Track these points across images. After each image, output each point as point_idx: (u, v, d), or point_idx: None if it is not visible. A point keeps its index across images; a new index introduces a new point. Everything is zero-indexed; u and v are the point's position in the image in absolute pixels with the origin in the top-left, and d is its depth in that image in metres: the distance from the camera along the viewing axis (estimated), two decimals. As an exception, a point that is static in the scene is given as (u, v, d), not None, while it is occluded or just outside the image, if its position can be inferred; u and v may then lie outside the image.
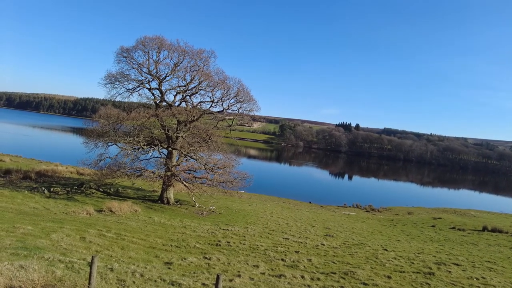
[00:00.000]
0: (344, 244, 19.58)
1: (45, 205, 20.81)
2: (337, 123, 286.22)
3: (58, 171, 34.62)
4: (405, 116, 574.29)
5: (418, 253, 18.08)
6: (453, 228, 29.47)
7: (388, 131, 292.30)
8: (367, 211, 42.31)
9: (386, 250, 18.49)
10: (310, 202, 45.70)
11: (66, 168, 37.66)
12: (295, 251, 16.34)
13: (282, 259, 14.52)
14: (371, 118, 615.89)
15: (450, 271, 14.48)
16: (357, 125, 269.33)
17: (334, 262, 14.91)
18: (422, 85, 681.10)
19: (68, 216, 18.62)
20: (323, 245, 18.52)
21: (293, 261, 14.36)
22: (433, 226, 30.57)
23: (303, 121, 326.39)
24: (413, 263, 15.71)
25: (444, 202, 56.26)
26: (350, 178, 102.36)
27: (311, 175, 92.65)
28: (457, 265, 15.76)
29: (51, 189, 25.83)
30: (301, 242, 18.74)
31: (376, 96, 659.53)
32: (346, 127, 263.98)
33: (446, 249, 20.08)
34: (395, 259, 16.28)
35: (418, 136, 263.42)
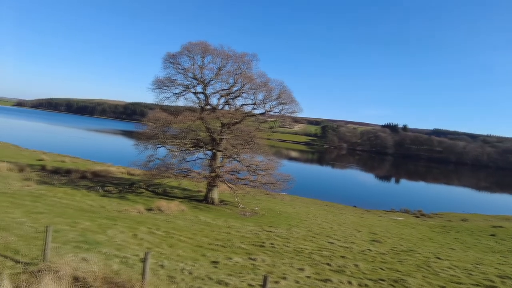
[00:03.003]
0: (392, 250, 18.68)
1: (100, 203, 22.30)
2: (383, 124, 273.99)
3: (110, 171, 37.00)
4: (457, 116, 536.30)
5: (477, 264, 16.71)
6: (517, 238, 26.86)
7: (438, 132, 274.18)
8: (416, 217, 40.01)
9: (439, 258, 17.32)
10: (355, 206, 44.25)
11: (118, 168, 40.12)
12: (341, 256, 15.89)
13: (328, 264, 14.19)
14: (420, 118, 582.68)
15: (515, 285, 13.21)
16: (405, 126, 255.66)
17: (382, 269, 14.28)
18: (481, 85, 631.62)
19: (121, 214, 19.80)
20: (370, 250, 17.82)
21: (339, 266, 13.96)
22: (492, 235, 28.10)
23: (347, 122, 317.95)
24: (471, 274, 14.55)
25: (505, 209, 51.36)
26: (397, 181, 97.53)
27: (355, 178, 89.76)
28: (524, 278, 14.33)
29: (105, 188, 27.66)
30: (347, 247, 18.19)
31: (427, 96, 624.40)
32: (392, 128, 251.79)
33: (510, 261, 18.34)
34: (450, 268, 15.20)
35: (473, 137, 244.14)
